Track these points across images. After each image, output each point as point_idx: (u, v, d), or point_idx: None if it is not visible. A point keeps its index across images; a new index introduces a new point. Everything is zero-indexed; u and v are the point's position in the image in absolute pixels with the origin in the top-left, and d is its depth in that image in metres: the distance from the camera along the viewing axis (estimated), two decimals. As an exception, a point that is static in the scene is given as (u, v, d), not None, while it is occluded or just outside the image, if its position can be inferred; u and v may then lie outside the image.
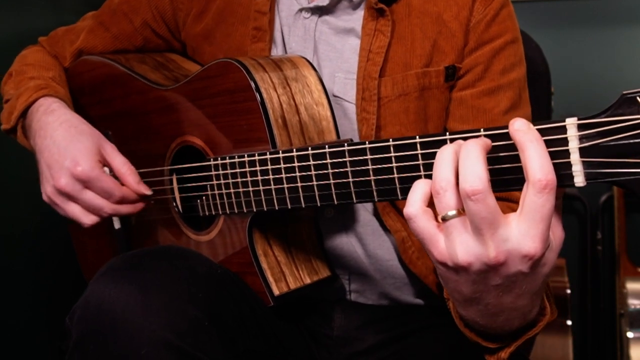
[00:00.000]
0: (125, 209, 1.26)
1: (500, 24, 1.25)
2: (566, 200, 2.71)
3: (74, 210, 1.25)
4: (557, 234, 0.81)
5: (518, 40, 1.29)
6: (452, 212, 0.77)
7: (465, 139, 0.83)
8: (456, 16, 1.24)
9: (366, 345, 1.33)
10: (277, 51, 1.33)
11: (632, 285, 2.30)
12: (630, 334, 2.18)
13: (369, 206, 1.27)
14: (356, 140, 1.24)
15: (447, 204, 0.77)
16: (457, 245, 0.78)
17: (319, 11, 1.29)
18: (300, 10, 1.30)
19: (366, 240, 1.28)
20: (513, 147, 0.80)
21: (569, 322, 1.98)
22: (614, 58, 2.57)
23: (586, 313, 2.67)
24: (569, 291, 2.08)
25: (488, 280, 0.80)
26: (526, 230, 0.75)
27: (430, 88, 1.24)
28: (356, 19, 1.27)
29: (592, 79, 2.59)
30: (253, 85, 1.13)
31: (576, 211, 2.74)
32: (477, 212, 0.74)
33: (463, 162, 0.76)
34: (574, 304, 2.46)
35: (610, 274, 2.58)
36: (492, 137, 0.82)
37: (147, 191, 1.27)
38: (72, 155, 1.23)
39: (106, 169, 1.26)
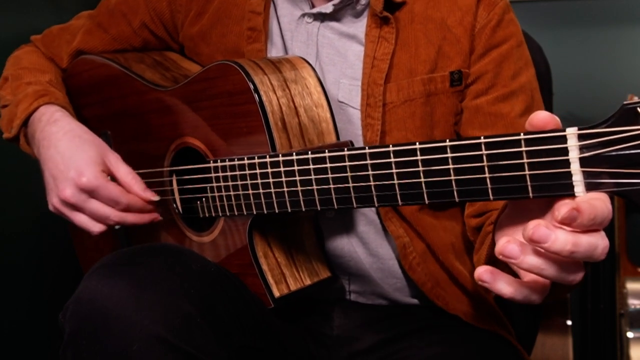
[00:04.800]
0: (131, 217, 1.26)
1: (505, 29, 1.26)
2: (566, 199, 2.69)
3: (82, 220, 1.26)
4: None
5: (523, 44, 1.30)
6: None
7: (466, 146, 0.83)
8: (460, 21, 1.24)
9: (365, 345, 1.33)
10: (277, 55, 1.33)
11: (632, 285, 2.29)
12: (630, 334, 2.17)
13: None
14: (358, 143, 1.24)
15: None
16: None
17: (322, 17, 1.29)
18: (303, 15, 1.30)
19: (368, 239, 1.29)
20: (513, 156, 0.80)
21: (569, 322, 1.97)
22: (615, 58, 2.56)
23: (586, 313, 2.66)
24: (569, 291, 2.07)
25: None
26: None
27: (436, 94, 1.25)
28: (359, 26, 1.28)
29: (592, 79, 2.58)
30: (252, 87, 1.13)
31: (577, 210, 2.73)
32: None
33: None
34: (574, 304, 2.45)
35: (610, 274, 2.58)
36: (493, 146, 0.82)
37: (154, 197, 1.27)
38: (76, 166, 1.23)
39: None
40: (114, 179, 1.26)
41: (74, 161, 1.24)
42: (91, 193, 1.23)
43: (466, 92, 1.27)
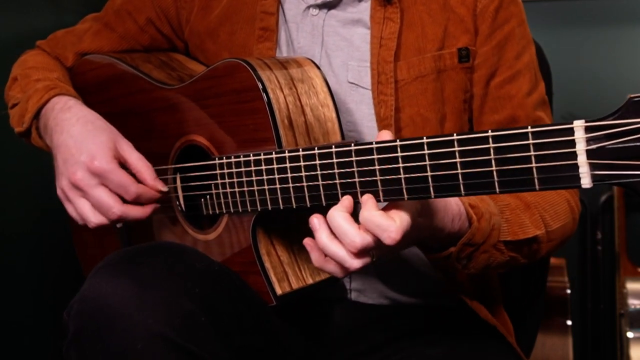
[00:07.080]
0: (134, 211, 1.22)
1: (506, 9, 1.30)
2: (566, 200, 2.70)
3: (84, 207, 1.23)
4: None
5: (524, 22, 1.34)
6: None
7: (474, 139, 0.84)
8: (462, 1, 1.28)
9: (366, 345, 1.33)
10: (280, 50, 1.33)
11: (632, 285, 2.30)
12: (630, 334, 2.18)
13: None
14: (370, 122, 1.27)
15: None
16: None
17: (326, 7, 1.31)
18: (308, 7, 1.32)
19: None
20: (520, 148, 0.81)
21: (569, 322, 1.98)
22: (615, 58, 2.58)
23: (586, 313, 2.67)
24: (569, 291, 2.09)
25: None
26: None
27: (445, 70, 1.28)
28: (362, 9, 1.30)
29: (592, 79, 2.59)
30: (260, 85, 1.13)
31: (576, 211, 2.74)
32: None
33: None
34: (574, 304, 2.46)
35: (610, 274, 2.59)
36: (501, 139, 0.82)
37: (163, 187, 1.25)
38: (89, 150, 1.22)
39: None
40: (125, 166, 1.25)
41: (87, 145, 1.23)
42: (101, 178, 1.21)
43: (474, 78, 1.30)
